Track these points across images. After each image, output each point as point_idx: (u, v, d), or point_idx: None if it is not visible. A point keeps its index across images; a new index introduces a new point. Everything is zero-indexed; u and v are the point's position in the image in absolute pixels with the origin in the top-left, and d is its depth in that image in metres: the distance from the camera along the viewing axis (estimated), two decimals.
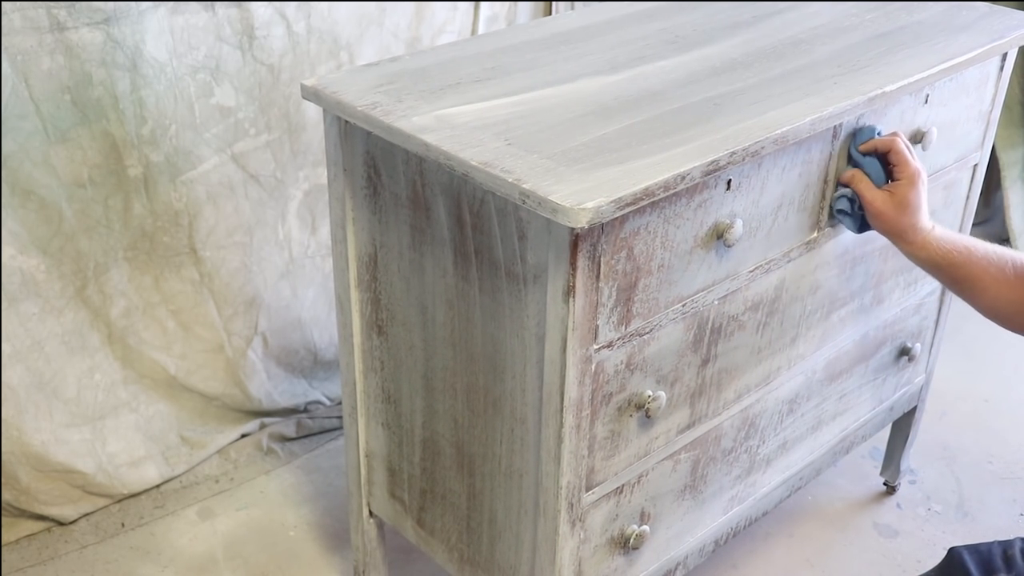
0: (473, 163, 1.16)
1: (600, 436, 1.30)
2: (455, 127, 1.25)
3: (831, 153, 1.43)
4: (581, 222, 1.08)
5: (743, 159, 1.23)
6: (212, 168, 1.94)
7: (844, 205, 1.46)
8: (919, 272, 1.77)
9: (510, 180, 1.13)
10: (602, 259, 1.17)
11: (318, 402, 2.26)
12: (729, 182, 1.28)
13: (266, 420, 2.19)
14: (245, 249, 2.04)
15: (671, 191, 1.16)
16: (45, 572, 1.87)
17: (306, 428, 2.22)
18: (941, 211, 1.72)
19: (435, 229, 1.33)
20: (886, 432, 2.08)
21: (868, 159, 1.44)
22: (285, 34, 1.94)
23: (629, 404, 1.32)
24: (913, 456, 2.14)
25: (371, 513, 1.69)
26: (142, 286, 1.94)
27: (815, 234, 1.48)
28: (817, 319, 1.59)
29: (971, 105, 1.66)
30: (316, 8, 1.96)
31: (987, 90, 1.68)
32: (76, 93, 1.74)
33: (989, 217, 2.97)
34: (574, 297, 1.16)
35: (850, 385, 1.76)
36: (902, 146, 1.42)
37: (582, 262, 1.14)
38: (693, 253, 1.29)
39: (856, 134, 1.45)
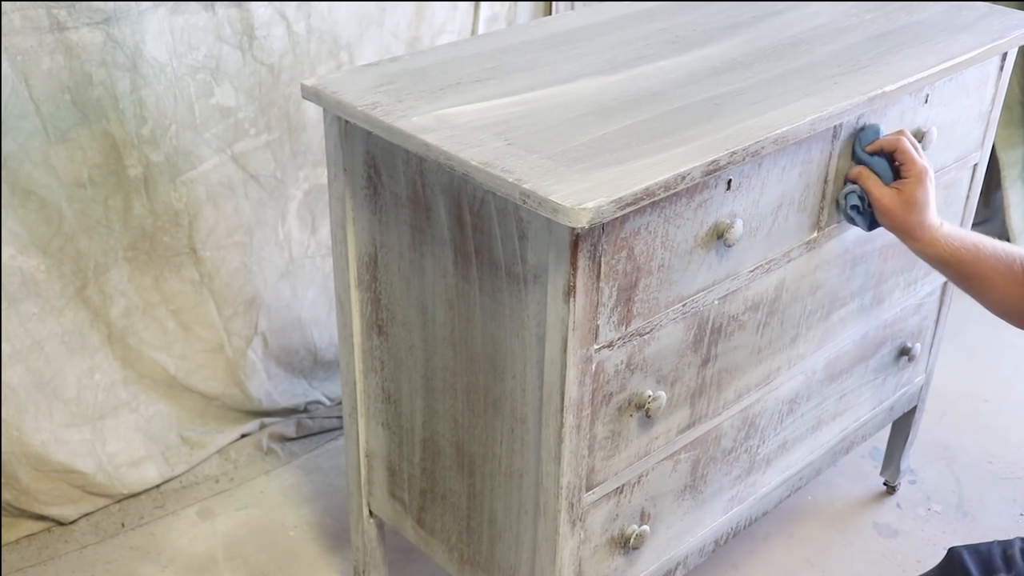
0: (473, 163, 1.16)
1: (600, 436, 1.30)
2: (455, 127, 1.25)
3: (831, 153, 1.43)
4: (581, 222, 1.08)
5: (743, 159, 1.23)
6: (212, 168, 1.94)
7: (854, 201, 1.47)
8: (919, 272, 1.77)
9: (510, 180, 1.13)
10: (602, 259, 1.17)
11: (318, 402, 2.26)
12: (729, 182, 1.28)
13: (266, 420, 2.19)
14: (245, 249, 2.04)
15: (671, 191, 1.16)
16: (45, 572, 1.87)
17: (306, 428, 2.22)
18: (941, 211, 1.71)
19: (435, 229, 1.33)
20: (886, 432, 2.08)
21: (875, 158, 1.45)
22: (285, 34, 1.94)
23: (629, 404, 1.32)
24: (913, 456, 2.14)
25: (371, 513, 1.69)
26: (142, 286, 1.94)
27: (815, 234, 1.48)
28: (817, 319, 1.59)
29: (971, 105, 1.66)
30: (316, 8, 1.96)
31: (987, 90, 1.68)
32: (76, 93, 1.74)
33: (989, 217, 2.97)
34: (574, 297, 1.16)
35: (850, 385, 1.76)
36: (907, 145, 1.42)
37: (582, 262, 1.14)
38: (693, 253, 1.29)
39: (860, 134, 1.45)
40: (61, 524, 1.95)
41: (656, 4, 1.69)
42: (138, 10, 1.74)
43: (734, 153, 1.21)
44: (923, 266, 1.77)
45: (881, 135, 1.46)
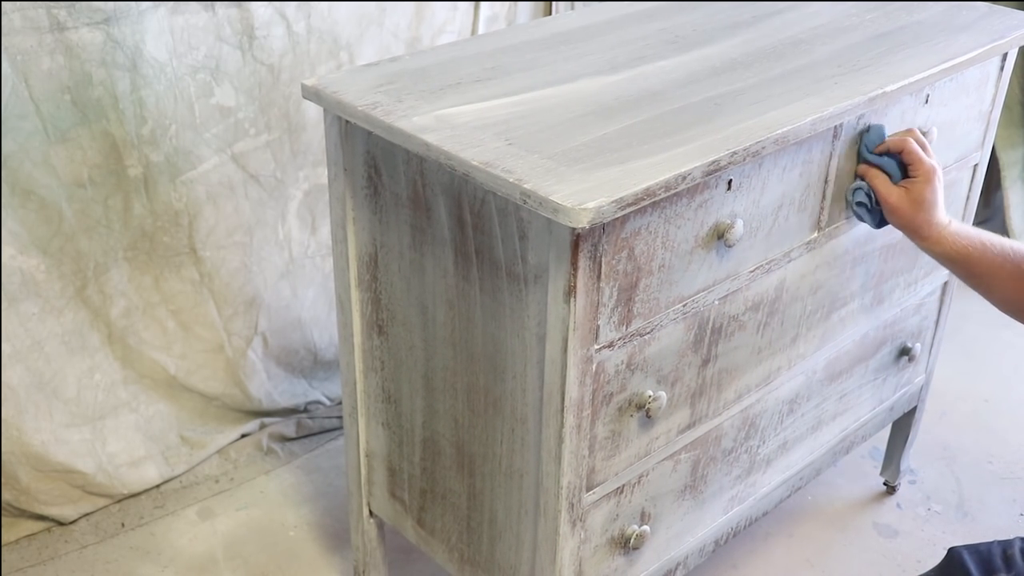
0: (474, 163, 1.16)
1: (601, 436, 1.30)
2: (456, 127, 1.25)
3: (831, 153, 1.43)
4: (582, 222, 1.08)
5: (744, 159, 1.23)
6: (212, 168, 1.94)
7: (861, 198, 1.47)
8: (919, 272, 1.77)
9: (511, 180, 1.13)
10: (603, 259, 1.17)
11: (318, 402, 2.26)
12: (730, 182, 1.28)
13: (266, 420, 2.19)
14: (245, 249, 2.04)
15: (672, 191, 1.16)
16: (45, 572, 1.87)
17: (306, 428, 2.22)
18: None
19: (436, 229, 1.33)
20: (886, 432, 2.08)
21: (884, 157, 1.45)
22: (285, 34, 1.94)
23: (630, 404, 1.32)
24: (913, 456, 2.14)
25: (371, 513, 1.69)
26: (142, 286, 1.94)
27: (815, 234, 1.48)
28: (817, 319, 1.59)
29: (971, 105, 1.66)
30: (316, 8, 1.96)
31: (987, 90, 1.68)
32: (76, 93, 1.74)
33: (989, 217, 2.97)
34: (575, 297, 1.16)
35: (850, 385, 1.76)
36: (914, 146, 1.43)
37: (583, 262, 1.14)
38: (694, 253, 1.29)
39: (865, 135, 1.46)
40: (61, 524, 1.95)
41: (656, 4, 1.69)
42: (138, 10, 1.74)
43: (735, 153, 1.21)
44: (923, 266, 1.77)
45: (886, 135, 1.47)
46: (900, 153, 1.44)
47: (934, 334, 1.93)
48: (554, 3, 2.35)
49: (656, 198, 1.15)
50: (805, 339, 1.58)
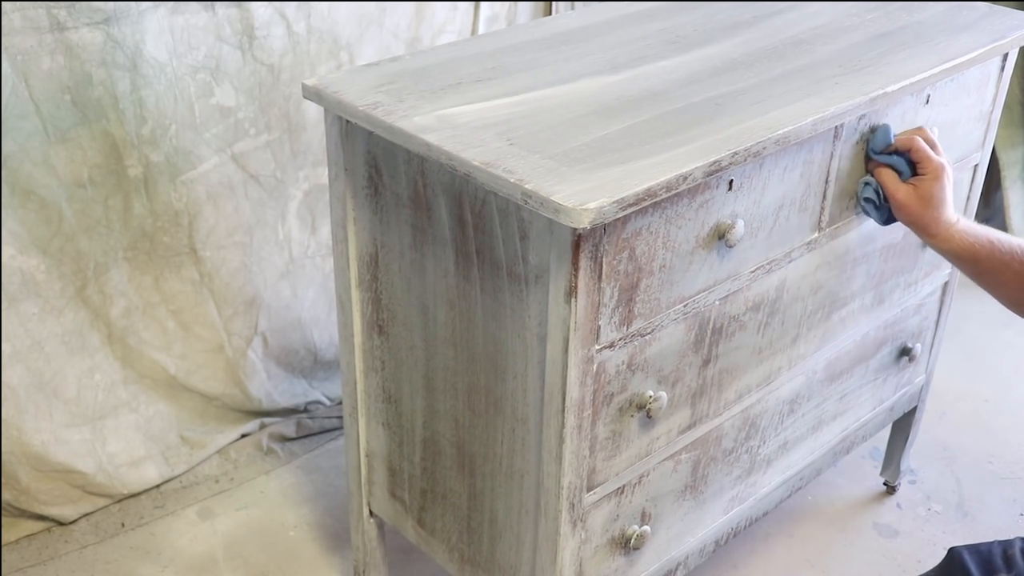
0: (475, 163, 1.16)
1: (601, 436, 1.30)
2: (456, 127, 1.25)
3: (832, 153, 1.43)
4: (583, 222, 1.08)
5: (745, 159, 1.23)
6: (212, 168, 1.94)
7: (869, 194, 1.47)
8: (919, 272, 1.77)
9: (512, 180, 1.13)
10: (604, 259, 1.17)
11: (318, 402, 2.26)
12: (731, 182, 1.28)
13: (266, 420, 2.19)
14: (245, 249, 2.04)
15: (673, 191, 1.16)
16: (45, 572, 1.86)
17: (306, 428, 2.22)
18: None
19: (436, 229, 1.33)
20: (886, 432, 2.08)
21: (892, 157, 1.45)
22: (285, 34, 1.93)
23: (630, 404, 1.32)
24: (913, 456, 2.14)
25: (371, 513, 1.69)
26: (142, 286, 1.94)
27: (816, 234, 1.48)
28: (818, 319, 1.59)
29: (972, 105, 1.66)
30: (316, 8, 1.95)
31: (988, 90, 1.68)
32: (76, 93, 1.74)
33: (989, 217, 2.97)
34: (576, 297, 1.16)
35: (850, 385, 1.76)
36: (922, 144, 1.44)
37: (584, 262, 1.14)
38: (695, 253, 1.29)
39: (872, 136, 1.46)
40: (61, 524, 1.95)
41: (656, 4, 1.69)
42: (138, 10, 1.74)
43: (736, 153, 1.21)
44: (923, 266, 1.77)
45: (892, 135, 1.47)
46: (909, 151, 1.44)
47: (934, 334, 1.93)
48: (554, 3, 2.35)
49: (657, 198, 1.15)
50: (806, 339, 1.58)
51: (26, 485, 1.89)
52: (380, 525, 1.72)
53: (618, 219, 1.15)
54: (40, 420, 1.88)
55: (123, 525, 1.97)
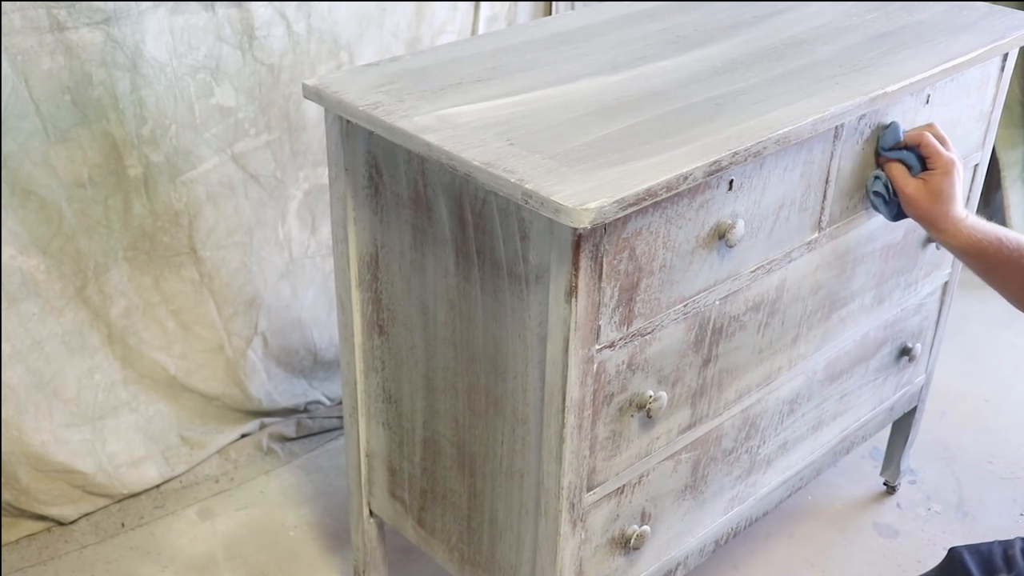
0: (475, 163, 1.16)
1: (601, 436, 1.30)
2: (457, 127, 1.25)
3: (832, 153, 1.43)
4: (584, 222, 1.08)
5: (745, 159, 1.23)
6: (212, 168, 1.94)
7: (878, 188, 1.48)
8: (919, 272, 1.77)
9: (513, 180, 1.13)
10: (604, 259, 1.17)
11: (318, 402, 2.26)
12: (731, 182, 1.28)
13: (266, 420, 2.19)
14: (245, 249, 2.04)
15: (673, 191, 1.16)
16: (45, 572, 1.86)
17: (306, 428, 2.22)
18: None
19: (437, 229, 1.33)
20: (886, 432, 2.08)
21: (903, 151, 1.46)
22: (285, 34, 1.93)
23: (630, 404, 1.32)
24: (913, 456, 2.14)
25: (371, 513, 1.69)
26: (142, 286, 1.94)
27: (816, 234, 1.48)
28: (818, 319, 1.59)
29: (972, 105, 1.66)
30: (316, 8, 1.95)
31: (988, 90, 1.68)
32: (76, 93, 1.74)
33: (989, 217, 2.95)
34: (576, 297, 1.16)
35: (851, 385, 1.76)
36: (931, 139, 1.44)
37: (584, 262, 1.14)
38: (695, 253, 1.29)
39: (882, 133, 1.46)
40: (61, 524, 1.95)
41: (656, 4, 1.69)
42: (138, 10, 1.74)
43: (736, 153, 1.21)
44: (923, 266, 1.77)
45: (902, 132, 1.47)
46: (918, 146, 1.45)
47: (934, 334, 1.93)
48: (554, 3, 2.35)
49: (657, 198, 1.15)
50: (806, 339, 1.58)
51: (26, 485, 1.89)
52: (380, 525, 1.72)
53: (618, 219, 1.15)
54: (40, 420, 1.88)
55: (123, 525, 1.97)
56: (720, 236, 1.30)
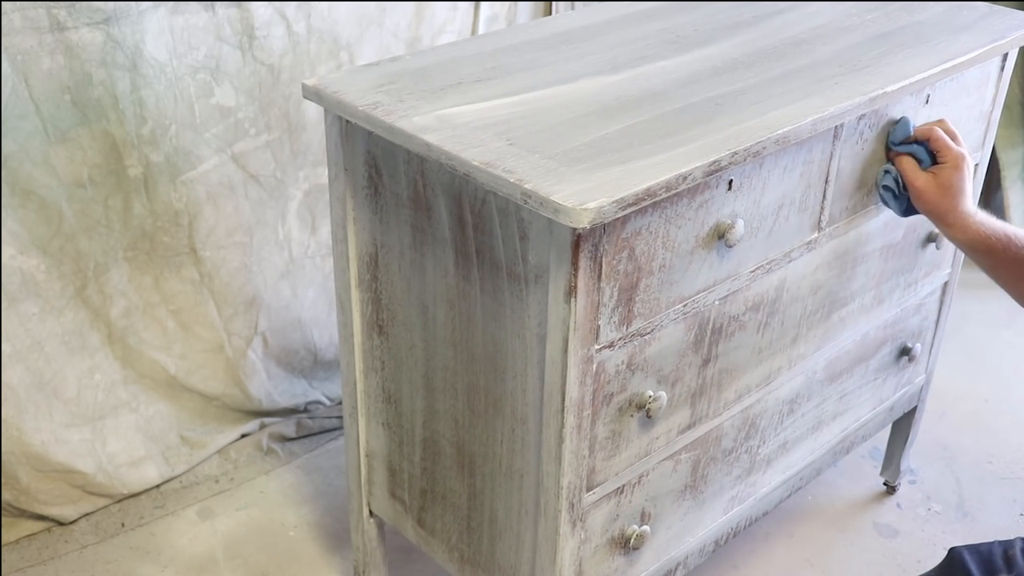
0: (475, 163, 1.16)
1: (601, 436, 1.30)
2: (456, 127, 1.25)
3: (832, 153, 1.43)
4: (583, 222, 1.08)
5: (744, 159, 1.23)
6: (212, 168, 1.94)
7: (889, 182, 1.48)
8: (919, 272, 1.77)
9: (512, 180, 1.13)
10: (603, 259, 1.17)
11: (318, 402, 2.26)
12: (731, 182, 1.28)
13: (266, 420, 2.19)
14: (245, 249, 2.04)
15: (673, 191, 1.16)
16: (45, 572, 1.86)
17: (306, 428, 2.22)
18: None
19: (436, 229, 1.33)
20: (886, 432, 2.08)
21: (913, 145, 1.46)
22: (285, 34, 1.93)
23: (630, 404, 1.32)
24: (913, 456, 2.14)
25: (371, 513, 1.69)
26: (142, 286, 1.94)
27: (816, 234, 1.48)
28: (818, 319, 1.59)
29: (972, 105, 1.66)
30: (316, 8, 1.95)
31: (987, 90, 1.68)
32: (76, 93, 1.74)
33: None
34: (575, 297, 1.16)
35: (850, 385, 1.76)
36: (940, 133, 1.45)
37: (584, 262, 1.14)
38: (694, 253, 1.29)
39: (893, 127, 1.47)
40: (61, 524, 1.95)
41: (656, 4, 1.69)
42: (138, 10, 1.74)
43: (735, 153, 1.21)
44: (923, 266, 1.77)
45: (912, 127, 1.47)
46: (928, 140, 1.45)
47: (934, 334, 1.93)
48: (554, 3, 2.35)
49: (657, 198, 1.15)
50: (805, 339, 1.58)
51: (26, 485, 1.89)
52: (380, 525, 1.72)
53: (618, 219, 1.15)
54: (40, 420, 1.88)
55: (123, 525, 1.98)
56: (719, 236, 1.30)
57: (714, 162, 1.19)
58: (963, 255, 1.86)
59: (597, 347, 1.22)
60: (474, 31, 2.24)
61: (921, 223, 1.69)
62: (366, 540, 1.72)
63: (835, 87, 1.39)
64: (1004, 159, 2.80)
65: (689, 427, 1.44)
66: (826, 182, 1.45)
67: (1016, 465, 2.19)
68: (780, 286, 1.47)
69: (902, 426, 2.03)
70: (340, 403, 2.28)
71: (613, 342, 1.24)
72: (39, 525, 1.94)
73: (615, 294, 1.21)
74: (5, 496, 1.89)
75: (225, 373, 2.10)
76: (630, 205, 1.12)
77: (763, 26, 1.61)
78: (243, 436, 2.16)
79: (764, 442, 1.63)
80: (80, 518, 1.97)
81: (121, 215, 1.86)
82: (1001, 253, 1.43)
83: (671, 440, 1.42)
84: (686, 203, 1.24)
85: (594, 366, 1.23)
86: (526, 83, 1.38)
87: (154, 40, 1.78)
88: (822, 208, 1.47)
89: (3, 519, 1.91)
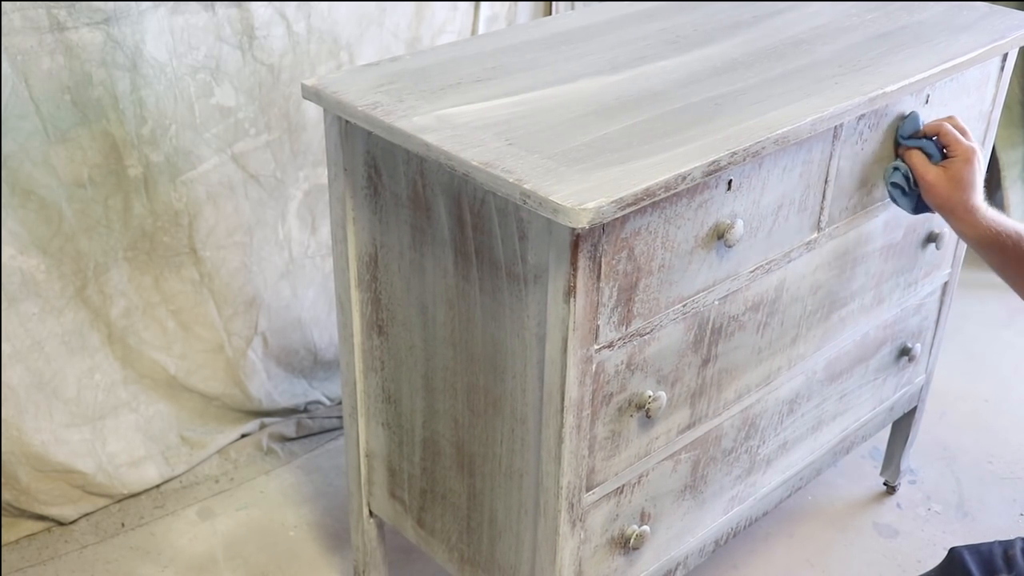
0: (474, 163, 1.16)
1: (600, 436, 1.30)
2: (456, 127, 1.25)
3: (832, 153, 1.43)
4: (582, 222, 1.08)
5: (744, 159, 1.23)
6: (212, 168, 1.94)
7: (898, 179, 1.48)
8: (919, 272, 1.77)
9: (511, 180, 1.13)
10: (603, 259, 1.17)
11: (318, 402, 2.26)
12: (730, 182, 1.28)
13: (266, 420, 2.19)
14: (245, 249, 2.04)
15: (672, 191, 1.16)
16: (45, 572, 1.87)
17: (306, 428, 2.22)
18: None
19: (436, 229, 1.33)
20: (886, 432, 2.08)
21: (922, 140, 1.46)
22: (285, 34, 1.93)
23: (629, 404, 1.32)
24: (913, 456, 2.14)
25: (371, 513, 1.69)
26: (142, 286, 1.94)
27: (815, 234, 1.48)
28: (817, 319, 1.59)
29: (972, 105, 1.66)
30: (316, 8, 1.95)
31: (987, 90, 1.68)
32: (76, 93, 1.74)
33: None
34: (575, 297, 1.16)
35: (850, 385, 1.76)
36: (950, 128, 1.44)
37: (583, 262, 1.14)
38: (694, 253, 1.29)
39: (902, 122, 1.47)
40: (61, 524, 1.95)
41: (656, 4, 1.69)
42: (138, 10, 1.74)
43: (735, 153, 1.21)
44: (923, 266, 1.77)
45: (921, 121, 1.47)
46: (938, 135, 1.44)
47: (934, 334, 1.93)
48: (554, 3, 2.35)
49: (656, 198, 1.15)
50: (805, 339, 1.58)
51: (26, 485, 1.89)
52: (380, 525, 1.72)
53: (617, 219, 1.15)
54: (40, 420, 1.88)
55: (123, 525, 1.98)
56: (719, 236, 1.30)
57: (713, 162, 1.19)
58: (963, 256, 1.86)
59: (596, 347, 1.22)
60: (474, 31, 2.24)
61: (921, 223, 1.69)
62: (366, 540, 1.72)
63: (835, 87, 1.39)
64: (1004, 159, 2.80)
65: (689, 427, 1.44)
66: (826, 182, 1.45)
67: (1016, 465, 2.19)
68: (780, 286, 1.47)
69: (902, 426, 2.03)
70: (340, 403, 2.28)
71: (612, 342, 1.24)
72: (39, 525, 1.94)
73: (614, 294, 1.21)
74: (5, 496, 1.89)
75: (225, 373, 2.10)
76: (629, 205, 1.12)
77: (763, 26, 1.61)
78: (243, 436, 2.16)
79: (764, 442, 1.63)
80: (80, 518, 1.97)
81: (121, 215, 1.86)
82: (1012, 250, 1.42)
83: (671, 440, 1.42)
84: (685, 203, 1.24)
85: (593, 366, 1.23)
86: (526, 83, 1.38)
87: (154, 40, 1.78)
88: (822, 208, 1.47)
89: (3, 519, 1.91)
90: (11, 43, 1.64)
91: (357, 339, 1.53)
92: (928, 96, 1.54)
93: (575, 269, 1.14)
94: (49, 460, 1.90)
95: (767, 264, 1.42)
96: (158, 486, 2.05)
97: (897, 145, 1.50)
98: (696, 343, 1.37)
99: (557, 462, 1.27)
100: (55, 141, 1.74)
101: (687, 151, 1.20)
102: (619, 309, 1.23)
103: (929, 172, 1.45)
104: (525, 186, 1.12)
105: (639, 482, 1.41)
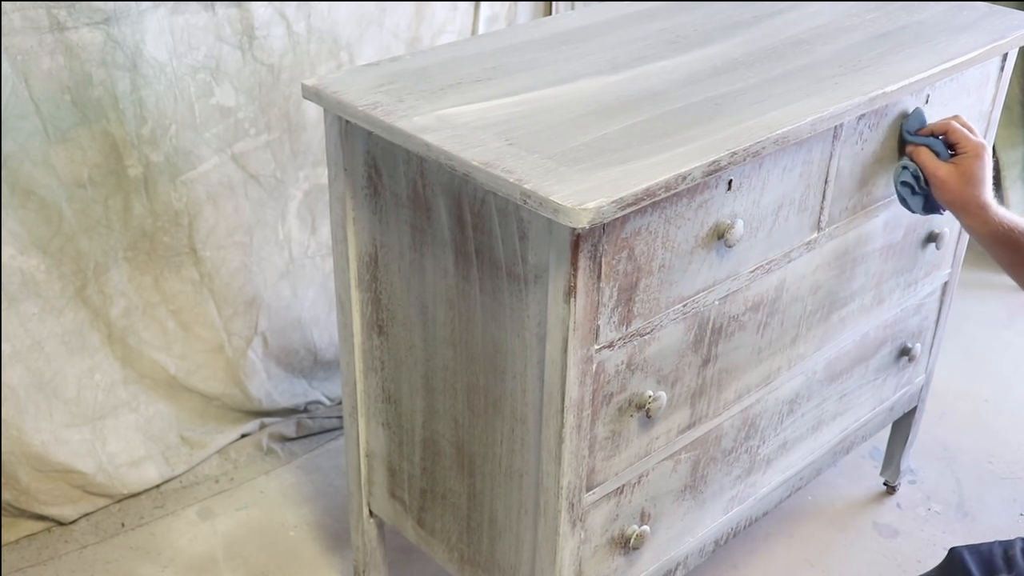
0: (474, 163, 1.16)
1: (601, 436, 1.30)
2: (456, 127, 1.25)
3: (832, 153, 1.43)
4: (582, 222, 1.08)
5: (744, 159, 1.23)
6: (212, 168, 1.94)
7: (907, 178, 1.47)
8: (919, 272, 1.77)
9: (511, 180, 1.13)
10: (603, 259, 1.17)
11: (318, 402, 2.26)
12: (730, 182, 1.28)
13: (266, 420, 2.19)
14: (245, 249, 2.04)
15: (672, 191, 1.16)
16: (45, 572, 1.87)
17: (306, 428, 2.22)
18: None
19: (436, 229, 1.33)
20: (886, 432, 2.08)
21: (928, 138, 1.46)
22: (285, 34, 1.93)
23: (630, 404, 1.32)
24: (913, 456, 2.14)
25: (371, 513, 1.69)
26: (142, 286, 1.94)
27: (815, 234, 1.48)
28: (817, 319, 1.59)
29: (972, 105, 1.66)
30: (316, 8, 1.95)
31: (987, 90, 1.68)
32: (76, 93, 1.74)
33: None
34: (575, 297, 1.16)
35: (850, 385, 1.76)
36: (957, 125, 1.44)
37: (583, 262, 1.14)
38: (694, 253, 1.29)
39: (906, 119, 1.47)
40: (61, 524, 1.95)
41: (656, 4, 1.69)
42: (138, 10, 1.74)
43: (735, 153, 1.21)
44: (923, 266, 1.77)
45: (926, 118, 1.47)
46: (945, 133, 1.44)
47: (934, 334, 1.93)
48: (554, 3, 2.35)
49: (656, 198, 1.15)
50: (805, 339, 1.58)
51: (26, 485, 1.89)
52: (380, 525, 1.72)
53: (617, 219, 1.15)
54: (40, 420, 1.88)
55: (123, 525, 1.98)
56: (719, 236, 1.30)
57: (713, 162, 1.19)
58: (963, 256, 1.86)
59: (597, 347, 1.22)
60: (474, 31, 2.24)
61: (921, 223, 1.69)
62: (366, 540, 1.72)
63: (835, 87, 1.39)
64: (1004, 159, 2.80)
65: (689, 427, 1.44)
66: (826, 182, 1.45)
67: (1016, 465, 2.19)
68: (780, 286, 1.47)
69: (902, 426, 2.03)
70: (340, 403, 2.28)
71: (613, 342, 1.24)
72: (39, 525, 1.94)
73: (615, 294, 1.21)
74: (5, 496, 1.89)
75: (225, 373, 2.10)
76: (629, 205, 1.12)
77: (763, 26, 1.61)
78: (243, 436, 2.16)
79: (764, 442, 1.63)
80: (80, 518, 1.97)
81: (121, 215, 1.86)
82: (1022, 249, 1.42)
83: (671, 440, 1.42)
84: (685, 203, 1.24)
85: (594, 366, 1.23)
86: (526, 83, 1.38)
87: (154, 40, 1.78)
88: (822, 208, 1.47)
89: (3, 519, 1.91)
90: (11, 43, 1.64)
91: (357, 339, 1.53)
92: (928, 96, 1.54)
93: (575, 269, 1.14)
94: (49, 460, 1.90)
95: (767, 264, 1.42)
96: (158, 486, 2.05)
97: (903, 142, 1.49)
98: (696, 343, 1.37)
99: (557, 462, 1.27)
100: (55, 141, 1.74)
101: (687, 151, 1.20)
102: (619, 309, 1.23)
103: (940, 169, 1.44)
104: (525, 186, 1.12)
105: (639, 482, 1.41)
